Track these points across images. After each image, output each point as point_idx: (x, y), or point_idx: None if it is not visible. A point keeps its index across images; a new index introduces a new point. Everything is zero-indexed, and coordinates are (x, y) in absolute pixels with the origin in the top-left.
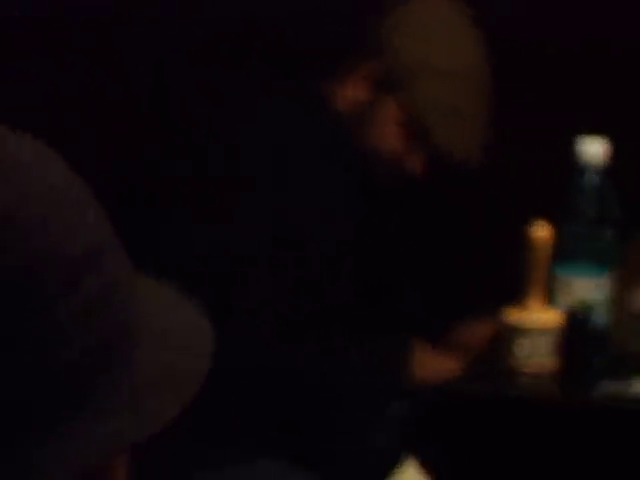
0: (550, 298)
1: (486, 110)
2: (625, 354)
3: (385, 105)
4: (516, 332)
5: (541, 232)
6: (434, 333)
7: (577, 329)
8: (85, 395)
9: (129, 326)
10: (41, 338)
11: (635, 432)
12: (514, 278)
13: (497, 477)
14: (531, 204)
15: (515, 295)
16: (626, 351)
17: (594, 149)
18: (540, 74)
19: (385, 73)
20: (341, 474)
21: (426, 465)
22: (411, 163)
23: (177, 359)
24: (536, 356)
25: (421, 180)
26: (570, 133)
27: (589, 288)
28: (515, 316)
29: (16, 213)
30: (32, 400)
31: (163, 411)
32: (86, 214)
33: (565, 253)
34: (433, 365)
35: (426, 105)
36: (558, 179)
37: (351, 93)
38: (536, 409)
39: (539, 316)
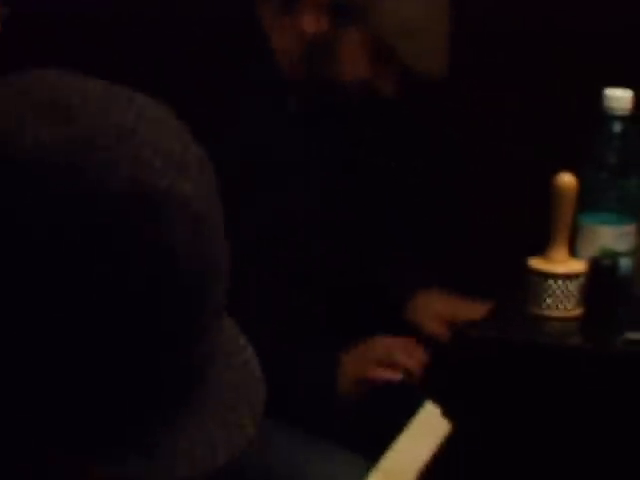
0: (575, 247)
1: (447, 24)
2: None
3: (348, 32)
4: (541, 279)
5: (566, 181)
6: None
7: (602, 277)
8: (187, 403)
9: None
10: (178, 333)
11: None
12: (539, 227)
13: (520, 423)
14: (555, 153)
15: (540, 244)
16: None
17: (618, 98)
18: (564, 25)
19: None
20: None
21: (448, 412)
22: (382, 86)
23: (243, 380)
24: (560, 303)
25: (401, 103)
26: (595, 83)
27: (614, 237)
28: (540, 264)
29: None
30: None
31: (245, 428)
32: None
33: (590, 202)
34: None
35: (392, 25)
36: (582, 128)
37: (311, 24)
38: (560, 355)
39: (564, 264)
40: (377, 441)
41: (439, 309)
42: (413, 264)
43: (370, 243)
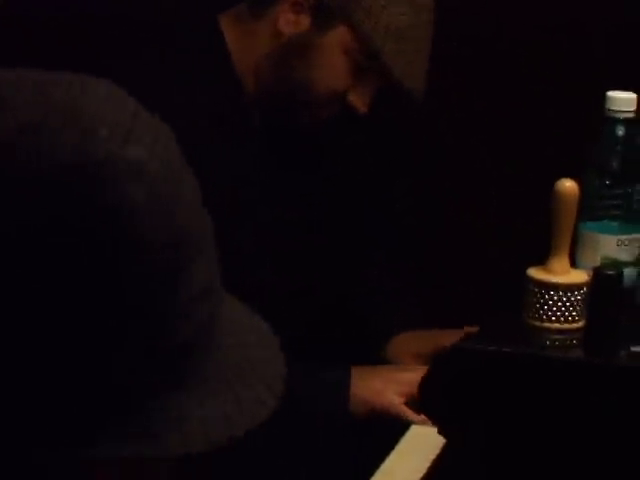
0: (575, 257)
1: (431, 39)
2: None
3: (329, 35)
4: (541, 289)
5: (567, 187)
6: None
7: (606, 287)
8: (191, 376)
9: (221, 313)
10: (166, 314)
11: None
12: (538, 236)
13: (519, 439)
14: (555, 159)
15: (540, 253)
16: None
17: (622, 100)
18: (569, 27)
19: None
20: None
21: (443, 428)
22: (356, 102)
23: (259, 355)
24: (561, 315)
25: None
26: (597, 85)
27: (616, 246)
28: (540, 274)
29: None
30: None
31: (262, 402)
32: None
33: (591, 209)
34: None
35: (377, 30)
36: (584, 132)
37: (289, 25)
38: (561, 369)
39: (565, 274)
40: (363, 463)
41: (419, 348)
42: (395, 290)
43: (348, 267)
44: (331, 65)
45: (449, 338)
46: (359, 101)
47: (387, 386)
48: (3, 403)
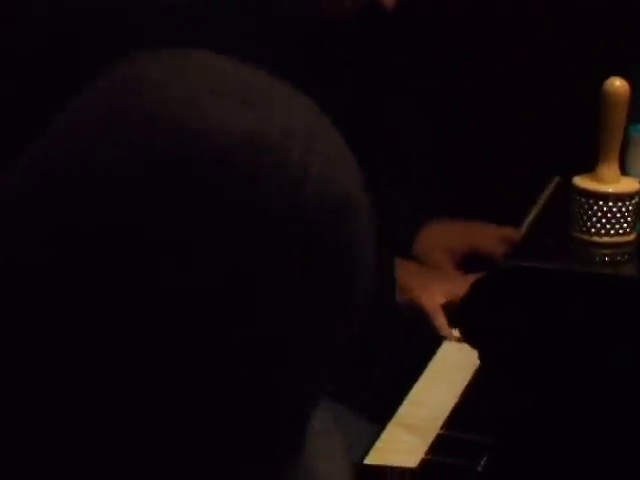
0: (625, 163)
1: None
2: None
3: None
4: (589, 199)
5: (616, 86)
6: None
7: None
8: None
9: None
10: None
11: None
12: (586, 140)
13: (564, 362)
14: (604, 56)
15: (587, 159)
16: None
17: None
18: None
19: None
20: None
21: (481, 352)
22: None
23: None
24: (612, 227)
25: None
26: None
27: None
28: (587, 183)
29: None
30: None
31: None
32: None
33: None
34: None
35: None
36: (633, 27)
37: None
38: (613, 286)
39: (615, 182)
40: (392, 385)
41: (450, 242)
42: (424, 191)
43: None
44: None
45: (485, 233)
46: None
47: (436, 283)
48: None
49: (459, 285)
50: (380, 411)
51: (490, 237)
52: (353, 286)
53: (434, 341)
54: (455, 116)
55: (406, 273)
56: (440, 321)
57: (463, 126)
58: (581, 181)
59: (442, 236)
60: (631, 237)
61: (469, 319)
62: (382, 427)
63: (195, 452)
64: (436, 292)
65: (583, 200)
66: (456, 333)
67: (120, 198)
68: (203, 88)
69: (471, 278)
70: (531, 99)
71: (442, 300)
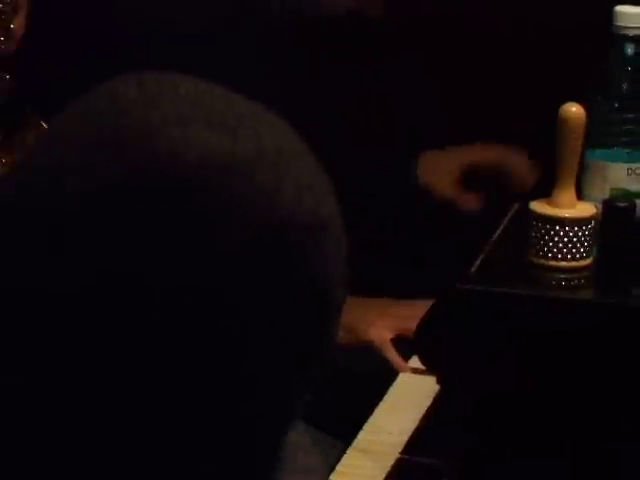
0: (581, 188)
1: None
2: None
3: None
4: (546, 224)
5: (573, 112)
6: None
7: (617, 221)
8: None
9: None
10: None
11: None
12: (542, 165)
13: (521, 384)
14: (560, 81)
15: (544, 185)
16: None
17: (631, 15)
18: None
19: None
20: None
21: (439, 377)
22: (370, 7)
23: None
24: (568, 252)
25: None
26: (604, 0)
27: (627, 175)
28: (544, 207)
29: None
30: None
31: None
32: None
33: (599, 136)
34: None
35: None
36: (590, 51)
37: None
38: (569, 310)
39: (572, 207)
40: (348, 419)
41: (451, 165)
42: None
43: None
44: None
45: (477, 153)
46: (370, 7)
47: (380, 318)
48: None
49: (404, 317)
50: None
51: (485, 154)
52: (326, 308)
53: (389, 374)
54: (419, 147)
55: (349, 313)
56: (392, 355)
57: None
58: (538, 206)
59: (440, 161)
60: (587, 261)
61: (426, 343)
62: (342, 451)
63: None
64: (383, 327)
65: (540, 225)
66: (413, 363)
67: (91, 215)
68: (175, 114)
69: (418, 306)
70: (488, 124)
71: (390, 335)
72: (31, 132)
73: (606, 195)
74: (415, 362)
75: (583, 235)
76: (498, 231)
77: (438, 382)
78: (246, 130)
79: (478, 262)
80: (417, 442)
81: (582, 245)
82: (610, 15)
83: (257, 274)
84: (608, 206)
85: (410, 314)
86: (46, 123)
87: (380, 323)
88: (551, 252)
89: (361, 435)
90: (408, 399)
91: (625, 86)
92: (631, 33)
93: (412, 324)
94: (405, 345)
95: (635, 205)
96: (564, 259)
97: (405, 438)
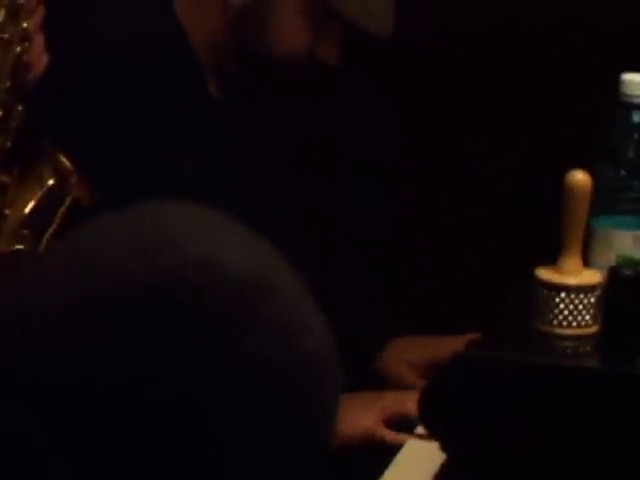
0: (587, 255)
1: None
2: None
3: None
4: (551, 291)
5: (578, 179)
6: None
7: (623, 289)
8: None
9: None
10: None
11: None
12: (548, 232)
13: (528, 452)
14: (566, 148)
15: (550, 252)
16: None
17: (637, 84)
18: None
19: None
20: None
21: (445, 443)
22: (325, 54)
23: None
24: (574, 319)
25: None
26: (610, 67)
27: (633, 242)
28: (550, 275)
29: None
30: None
31: None
32: None
33: (605, 203)
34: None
35: None
36: (596, 119)
37: None
38: (574, 378)
39: (577, 274)
40: None
41: (413, 356)
42: (387, 293)
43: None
44: (288, 29)
45: (447, 346)
46: (327, 53)
47: (363, 414)
48: None
49: (389, 406)
50: None
51: (455, 345)
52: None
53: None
54: (416, 221)
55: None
56: (386, 433)
57: (432, 221)
58: (544, 273)
59: (406, 350)
60: (593, 329)
61: (431, 410)
62: None
63: None
64: (369, 420)
65: (546, 292)
66: (420, 430)
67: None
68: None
69: (401, 397)
70: (494, 191)
71: (374, 423)
72: (48, 167)
73: (612, 262)
74: (422, 429)
75: (589, 302)
76: (503, 298)
77: (442, 449)
78: (235, 261)
79: (484, 329)
80: None
81: (588, 312)
82: (617, 82)
83: (235, 387)
84: (614, 273)
85: (397, 400)
86: (64, 156)
87: (366, 416)
88: (556, 319)
89: None
90: (415, 465)
91: (631, 153)
92: (637, 101)
93: (399, 408)
94: (397, 426)
95: (638, 273)
96: (569, 326)
97: None
